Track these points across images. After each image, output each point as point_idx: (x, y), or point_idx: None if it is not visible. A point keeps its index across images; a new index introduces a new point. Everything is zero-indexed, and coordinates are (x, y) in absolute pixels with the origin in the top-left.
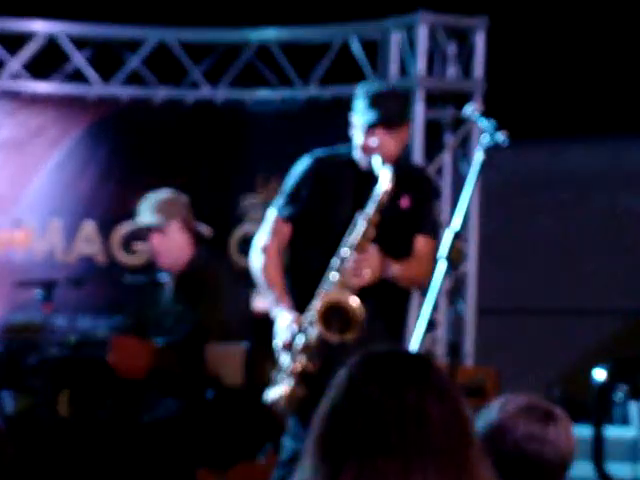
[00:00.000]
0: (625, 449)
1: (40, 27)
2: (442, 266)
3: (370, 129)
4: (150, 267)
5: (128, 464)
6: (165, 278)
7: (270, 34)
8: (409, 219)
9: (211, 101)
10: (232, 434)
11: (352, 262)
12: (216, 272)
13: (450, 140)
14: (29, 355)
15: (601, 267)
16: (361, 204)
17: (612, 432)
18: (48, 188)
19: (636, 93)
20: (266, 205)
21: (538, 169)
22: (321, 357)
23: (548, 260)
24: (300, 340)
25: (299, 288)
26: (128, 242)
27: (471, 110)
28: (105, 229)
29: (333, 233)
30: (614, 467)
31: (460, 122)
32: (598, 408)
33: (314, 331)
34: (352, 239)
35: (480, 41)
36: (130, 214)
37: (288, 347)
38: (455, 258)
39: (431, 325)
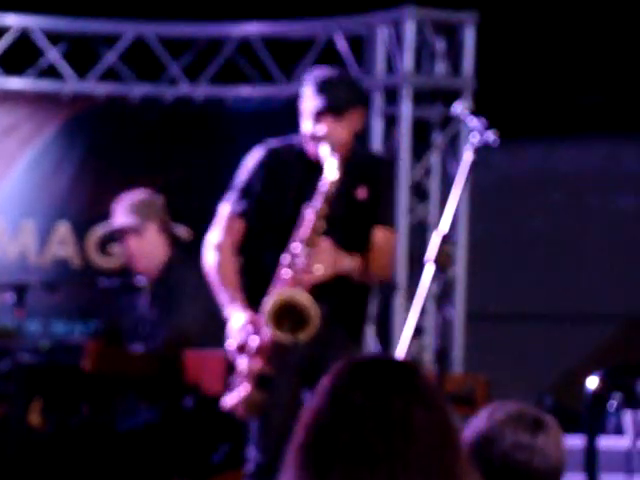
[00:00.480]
0: (619, 460)
1: (13, 21)
2: (430, 270)
3: (317, 116)
4: (126, 270)
5: (103, 475)
6: (142, 282)
7: (252, 29)
8: (367, 210)
9: (190, 98)
10: (212, 444)
11: (302, 257)
12: (193, 277)
13: (438, 139)
14: (0, 361)
15: (594, 271)
16: (309, 196)
17: (605, 442)
18: (20, 188)
19: (630, 91)
20: None
21: (529, 169)
22: (277, 359)
23: (540, 264)
24: (254, 342)
25: (253, 286)
26: (104, 244)
27: (460, 108)
28: (80, 230)
29: (284, 227)
30: (607, 479)
31: (449, 121)
32: (591, 417)
33: (268, 331)
34: (302, 233)
35: (470, 37)
36: (106, 215)
37: (242, 349)
38: (443, 262)
39: (418, 331)
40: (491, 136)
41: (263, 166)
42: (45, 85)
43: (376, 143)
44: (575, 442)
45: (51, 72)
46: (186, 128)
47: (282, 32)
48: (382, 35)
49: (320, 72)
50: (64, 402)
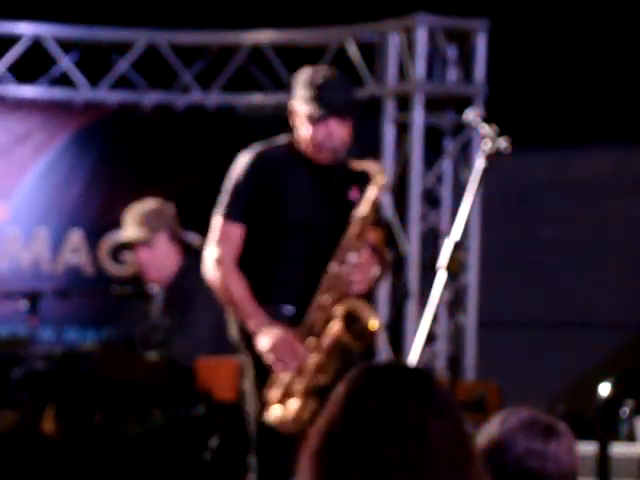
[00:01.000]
0: (631, 466)
1: (25, 29)
2: (442, 277)
3: (322, 120)
4: (139, 278)
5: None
6: (154, 289)
7: (264, 36)
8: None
9: (202, 106)
10: (223, 450)
11: (353, 268)
12: (205, 284)
13: (450, 146)
14: (13, 369)
15: (607, 279)
16: (315, 195)
17: (618, 449)
18: (33, 195)
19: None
20: None
21: (542, 177)
22: (333, 367)
23: (552, 272)
24: (312, 359)
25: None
26: (116, 252)
27: (472, 115)
28: (93, 238)
29: (288, 232)
30: None
31: (461, 128)
32: (603, 424)
33: (327, 339)
34: (349, 243)
35: (481, 44)
36: (119, 222)
37: (300, 371)
38: (454, 268)
39: (430, 338)
40: (503, 143)
41: (251, 170)
42: (57, 93)
43: (388, 150)
44: (587, 449)
45: (63, 80)
46: (198, 136)
47: (293, 39)
48: (394, 42)
49: (315, 73)
50: (77, 409)
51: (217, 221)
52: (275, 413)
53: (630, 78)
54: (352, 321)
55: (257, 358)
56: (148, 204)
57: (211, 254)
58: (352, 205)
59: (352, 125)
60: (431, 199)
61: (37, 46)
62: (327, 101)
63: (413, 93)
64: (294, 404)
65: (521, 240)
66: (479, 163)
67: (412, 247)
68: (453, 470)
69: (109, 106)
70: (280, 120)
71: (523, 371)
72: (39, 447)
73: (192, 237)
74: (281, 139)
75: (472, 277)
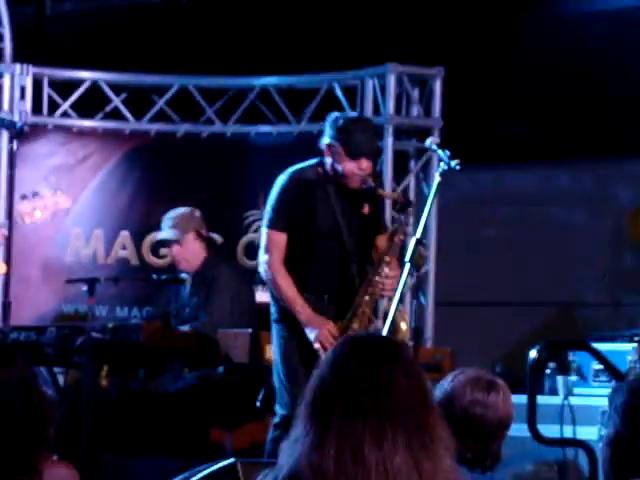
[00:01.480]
0: (553, 414)
1: (86, 75)
2: (407, 268)
3: (356, 158)
4: (172, 268)
5: (155, 425)
6: (184, 276)
7: (270, 81)
8: (368, 222)
9: (222, 134)
10: (239, 401)
11: (386, 278)
12: (225, 272)
13: (414, 166)
14: (76, 338)
15: (537, 268)
16: (343, 213)
17: (543, 400)
18: (92, 204)
19: (562, 127)
20: None
21: (484, 189)
22: None
23: (494, 262)
24: None
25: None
26: (156, 248)
27: (431, 142)
28: (137, 237)
29: (319, 238)
30: (544, 428)
31: (422, 152)
32: (532, 381)
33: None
34: (381, 257)
35: (438, 87)
36: (157, 225)
37: None
38: (418, 261)
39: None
40: (454, 163)
41: (287, 189)
42: (110, 125)
43: None
44: (520, 399)
45: (115, 115)
46: (218, 157)
47: (293, 83)
48: (370, 85)
49: (350, 120)
50: (125, 369)
51: (265, 232)
52: None
53: (552, 113)
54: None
55: (293, 335)
56: (180, 210)
57: (263, 259)
58: (365, 217)
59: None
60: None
61: (95, 88)
62: (360, 144)
63: (385, 125)
64: None
65: (468, 239)
66: (436, 178)
67: None
68: (417, 417)
69: (150, 135)
70: (281, 146)
71: (470, 340)
72: (97, 398)
73: (215, 236)
74: (310, 163)
75: (431, 266)
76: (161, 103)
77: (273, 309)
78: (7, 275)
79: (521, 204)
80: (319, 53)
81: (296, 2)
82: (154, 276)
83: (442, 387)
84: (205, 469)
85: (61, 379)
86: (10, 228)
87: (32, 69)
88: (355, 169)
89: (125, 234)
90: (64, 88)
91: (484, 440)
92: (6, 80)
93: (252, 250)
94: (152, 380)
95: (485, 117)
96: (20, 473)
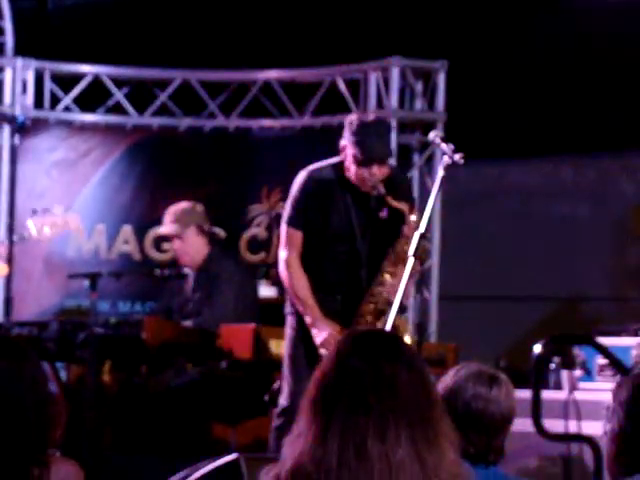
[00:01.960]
0: (557, 408)
1: (87, 69)
2: (411, 262)
3: (367, 165)
4: (175, 263)
5: (158, 420)
6: (187, 271)
7: (273, 74)
8: (386, 226)
9: (225, 128)
10: (242, 396)
11: (390, 287)
12: (228, 267)
13: (417, 160)
14: (79, 333)
15: (541, 262)
16: (358, 216)
17: (547, 395)
18: (94, 199)
19: (565, 121)
20: (269, 213)
21: (488, 183)
22: None
23: (497, 257)
24: None
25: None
26: (158, 243)
27: (434, 136)
28: (140, 232)
29: (333, 239)
30: (549, 423)
31: (426, 145)
32: (536, 375)
33: None
34: (387, 267)
35: (441, 80)
36: (160, 220)
37: None
38: (422, 255)
39: (401, 309)
40: (458, 157)
41: (305, 188)
42: (113, 119)
43: None
44: (524, 394)
45: (117, 109)
46: (221, 151)
47: (295, 77)
48: (373, 79)
49: (364, 122)
50: (128, 364)
51: (284, 229)
52: None
53: (554, 104)
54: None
55: (302, 329)
56: (181, 205)
57: (281, 255)
58: (382, 222)
59: (389, 166)
60: None
61: (97, 82)
62: (371, 149)
63: (389, 119)
64: None
65: (472, 233)
66: (440, 172)
67: None
68: (420, 412)
69: (152, 129)
70: (284, 139)
71: (474, 334)
72: (99, 393)
73: (218, 231)
74: (331, 161)
75: (435, 261)
76: (163, 97)
77: (288, 302)
78: (9, 271)
79: (525, 198)
80: (322, 46)
81: None
82: (157, 271)
83: (444, 382)
84: (208, 464)
85: (63, 374)
86: (11, 225)
87: (34, 63)
88: (365, 174)
89: (127, 229)
90: (66, 82)
91: (487, 435)
92: (8, 74)
93: (255, 245)
94: (155, 375)
95: (489, 111)
96: (29, 465)
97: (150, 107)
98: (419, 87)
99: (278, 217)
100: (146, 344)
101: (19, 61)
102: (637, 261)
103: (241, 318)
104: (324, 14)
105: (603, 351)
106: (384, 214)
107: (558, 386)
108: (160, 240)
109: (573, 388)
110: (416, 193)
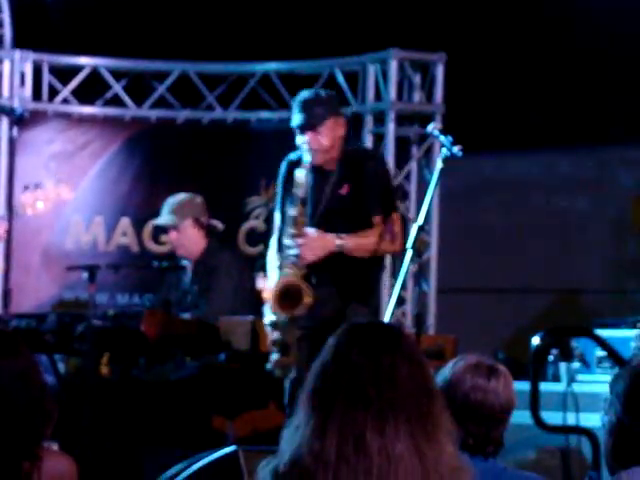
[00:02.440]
0: (556, 401)
1: (85, 61)
2: (409, 254)
3: (300, 131)
4: (173, 255)
5: (157, 413)
6: (185, 263)
7: (271, 66)
8: (349, 202)
9: (223, 120)
10: (241, 388)
11: (295, 247)
12: (226, 259)
13: (416, 152)
14: (77, 325)
15: (538, 254)
16: (311, 197)
17: (546, 387)
18: (92, 191)
19: (564, 113)
20: (267, 205)
21: (486, 175)
22: (292, 330)
23: (496, 249)
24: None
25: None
26: (156, 235)
27: (432, 128)
28: (138, 224)
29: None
30: (547, 415)
31: (424, 138)
32: (535, 368)
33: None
34: (289, 229)
35: (440, 72)
36: (158, 212)
37: (274, 326)
38: (420, 247)
39: (400, 301)
40: (456, 149)
41: (283, 176)
42: (110, 111)
43: None
44: (523, 386)
45: (115, 101)
46: (219, 144)
47: (294, 69)
48: (372, 71)
49: (301, 94)
50: (126, 357)
51: (274, 216)
52: (269, 363)
53: (552, 98)
54: (289, 292)
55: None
56: (180, 196)
57: (272, 241)
58: (343, 198)
59: (333, 131)
60: (401, 193)
61: (95, 74)
62: (302, 116)
63: (387, 111)
64: (276, 357)
65: (471, 225)
66: (438, 165)
67: None
68: (419, 405)
69: (150, 121)
70: (282, 132)
71: (472, 327)
72: (97, 386)
73: (215, 223)
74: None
75: (433, 253)
76: (162, 89)
77: None
78: (7, 263)
79: (523, 190)
80: (320, 38)
81: None
82: (155, 263)
83: (443, 374)
84: (207, 457)
85: (62, 367)
86: (10, 217)
87: (32, 55)
88: (300, 141)
89: (125, 221)
90: (64, 74)
91: (485, 426)
92: (6, 66)
93: (253, 237)
94: (153, 368)
95: (487, 103)
96: (20, 459)
97: (148, 99)
98: (417, 79)
99: None
100: (145, 336)
101: (17, 53)
102: (636, 253)
103: (239, 311)
104: (322, 6)
105: (601, 343)
106: (345, 190)
107: (556, 378)
108: (158, 232)
109: (571, 380)
110: (414, 185)
